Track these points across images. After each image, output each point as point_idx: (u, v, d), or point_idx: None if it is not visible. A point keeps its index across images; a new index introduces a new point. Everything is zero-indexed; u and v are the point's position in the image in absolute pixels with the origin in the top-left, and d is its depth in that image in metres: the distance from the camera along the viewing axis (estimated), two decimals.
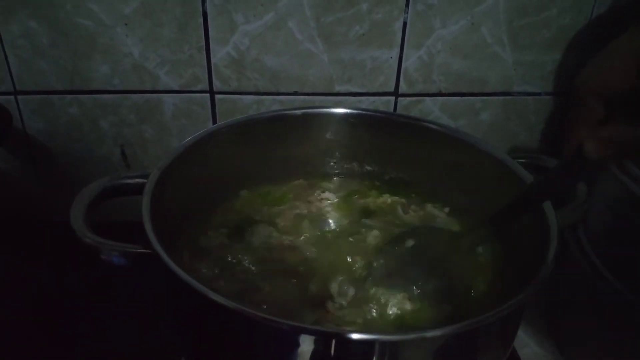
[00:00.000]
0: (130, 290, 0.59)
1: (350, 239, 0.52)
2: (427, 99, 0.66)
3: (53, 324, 0.58)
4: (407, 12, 0.61)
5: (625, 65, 0.30)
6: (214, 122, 0.66)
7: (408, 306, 0.45)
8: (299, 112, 0.55)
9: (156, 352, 0.53)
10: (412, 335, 0.33)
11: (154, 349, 0.53)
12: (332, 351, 0.33)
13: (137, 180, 0.45)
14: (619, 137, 0.32)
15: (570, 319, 0.59)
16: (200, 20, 0.60)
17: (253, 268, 0.48)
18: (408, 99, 0.66)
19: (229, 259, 0.49)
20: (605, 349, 0.54)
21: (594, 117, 0.33)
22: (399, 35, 0.62)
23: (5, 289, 0.61)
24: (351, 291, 0.46)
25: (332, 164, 0.59)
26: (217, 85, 0.64)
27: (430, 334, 0.32)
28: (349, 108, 0.56)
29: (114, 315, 0.59)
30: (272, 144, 0.55)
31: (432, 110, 0.67)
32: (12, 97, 0.63)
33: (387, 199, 0.57)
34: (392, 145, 0.56)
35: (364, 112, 0.56)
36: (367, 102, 0.66)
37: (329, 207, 0.57)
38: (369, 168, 0.59)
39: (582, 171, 0.37)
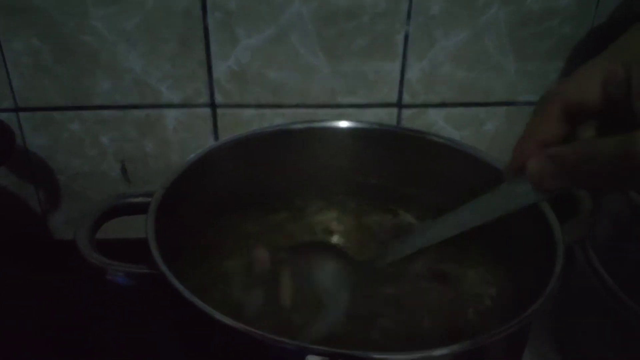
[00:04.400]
0: (134, 307, 0.59)
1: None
2: (431, 109, 0.67)
3: (55, 343, 0.58)
4: (409, 24, 0.61)
5: (593, 81, 0.28)
6: (216, 135, 0.67)
7: None
8: (301, 126, 0.55)
9: None
10: (418, 354, 0.33)
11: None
12: None
13: (141, 199, 0.45)
14: (570, 156, 0.28)
15: (579, 334, 0.58)
16: (202, 34, 0.60)
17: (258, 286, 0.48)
18: (411, 110, 0.66)
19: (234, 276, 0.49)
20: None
21: (551, 131, 0.30)
22: (401, 47, 0.62)
23: (5, 306, 0.60)
24: None
25: (335, 177, 0.59)
26: (218, 99, 0.64)
27: (437, 352, 0.32)
28: (352, 121, 0.56)
29: (117, 333, 0.58)
30: (276, 160, 0.55)
31: (436, 121, 0.67)
32: (13, 113, 0.63)
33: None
34: (396, 158, 0.56)
35: (366, 125, 0.56)
36: (370, 114, 0.66)
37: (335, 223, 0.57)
38: (373, 182, 0.59)
39: (525, 194, 0.32)
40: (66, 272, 0.53)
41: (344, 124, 0.56)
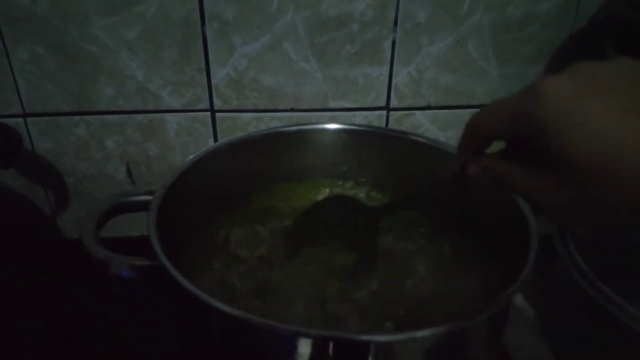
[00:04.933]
0: (138, 303, 0.61)
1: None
2: (418, 112, 0.69)
3: (65, 341, 0.60)
4: (396, 31, 0.64)
5: (502, 118, 0.33)
6: (215, 139, 0.69)
7: None
8: (293, 129, 0.58)
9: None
10: (401, 336, 0.35)
11: (163, 357, 0.55)
12: (330, 351, 0.36)
13: (143, 197, 0.48)
14: (493, 168, 0.36)
15: (563, 324, 0.61)
16: (200, 43, 0.63)
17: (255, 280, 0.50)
18: (399, 112, 0.69)
19: (233, 272, 0.52)
20: (597, 351, 0.56)
21: (478, 148, 0.37)
22: (389, 53, 0.65)
23: (15, 306, 0.62)
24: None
25: (327, 176, 0.61)
26: (217, 104, 0.67)
27: (420, 334, 0.35)
28: (342, 124, 0.59)
29: (123, 328, 0.61)
30: (270, 160, 0.58)
31: (423, 123, 0.70)
32: (21, 119, 0.66)
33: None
34: (383, 158, 0.59)
35: (354, 127, 0.59)
36: (360, 117, 0.69)
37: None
38: (362, 180, 0.61)
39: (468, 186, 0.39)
40: (76, 269, 0.55)
41: (332, 126, 0.58)
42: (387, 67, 0.66)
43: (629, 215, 0.29)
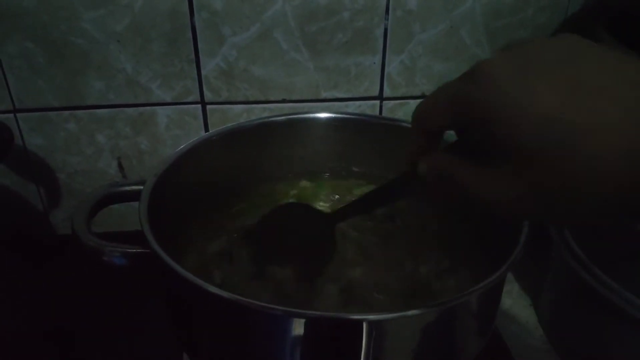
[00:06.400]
0: (132, 295, 0.61)
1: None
2: (412, 101, 0.69)
3: (59, 336, 0.60)
4: (388, 19, 0.63)
5: (443, 105, 0.31)
6: (206, 131, 0.69)
7: None
8: (283, 118, 0.58)
9: (159, 351, 0.55)
10: (392, 315, 0.35)
11: (157, 348, 0.55)
12: (323, 331, 0.36)
13: (134, 187, 0.48)
14: (437, 163, 0.33)
15: (558, 310, 0.60)
16: (189, 34, 0.62)
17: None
18: (393, 102, 0.69)
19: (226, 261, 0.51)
20: (594, 337, 0.55)
21: (426, 144, 0.34)
22: (381, 41, 0.65)
23: (8, 303, 0.62)
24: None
25: (319, 166, 0.61)
26: (208, 96, 0.66)
27: (411, 312, 0.35)
28: (333, 112, 0.59)
29: (118, 320, 0.60)
30: (260, 150, 0.58)
31: None
32: (11, 115, 0.65)
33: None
34: (375, 146, 0.58)
35: (346, 115, 0.59)
36: (353, 107, 0.68)
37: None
38: (355, 169, 0.61)
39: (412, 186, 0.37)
40: (70, 265, 0.55)
41: (323, 114, 0.58)
42: (379, 56, 0.65)
43: (594, 202, 0.26)
